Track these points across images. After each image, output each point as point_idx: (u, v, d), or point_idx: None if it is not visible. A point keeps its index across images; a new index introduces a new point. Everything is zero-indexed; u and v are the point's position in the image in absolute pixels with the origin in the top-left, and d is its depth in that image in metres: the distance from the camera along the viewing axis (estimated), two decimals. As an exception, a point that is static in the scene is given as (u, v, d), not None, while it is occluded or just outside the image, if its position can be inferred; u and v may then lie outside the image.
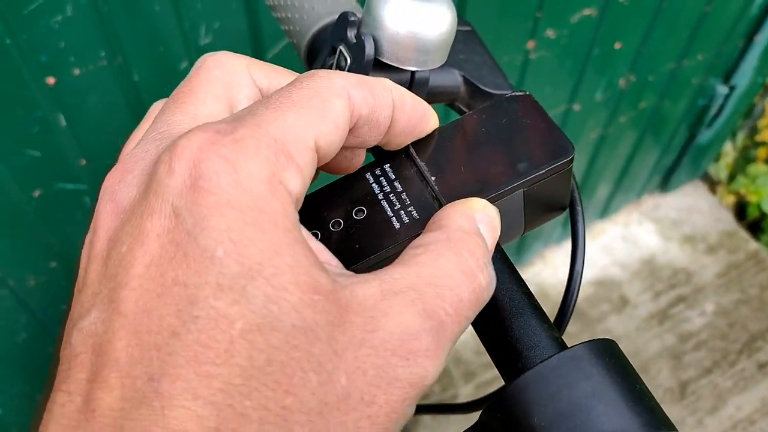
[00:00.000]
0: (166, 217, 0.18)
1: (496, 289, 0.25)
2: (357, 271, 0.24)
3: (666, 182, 1.73)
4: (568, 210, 0.30)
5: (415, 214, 0.26)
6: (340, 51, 0.30)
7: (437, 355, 0.20)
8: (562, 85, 1.11)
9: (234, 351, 0.17)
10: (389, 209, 0.26)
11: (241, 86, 0.25)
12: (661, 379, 1.47)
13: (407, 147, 0.27)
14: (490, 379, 1.42)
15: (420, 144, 0.27)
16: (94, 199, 0.73)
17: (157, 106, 0.25)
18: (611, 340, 0.23)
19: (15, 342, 0.85)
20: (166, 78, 0.69)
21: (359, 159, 0.28)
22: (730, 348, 1.53)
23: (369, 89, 0.23)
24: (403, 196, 0.26)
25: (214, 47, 0.69)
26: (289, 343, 0.18)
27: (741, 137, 1.77)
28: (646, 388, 0.22)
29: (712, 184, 1.81)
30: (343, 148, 0.24)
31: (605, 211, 1.66)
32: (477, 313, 0.22)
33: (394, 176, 0.27)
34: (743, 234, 1.72)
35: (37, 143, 0.66)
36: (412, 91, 0.32)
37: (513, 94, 0.28)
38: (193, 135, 0.19)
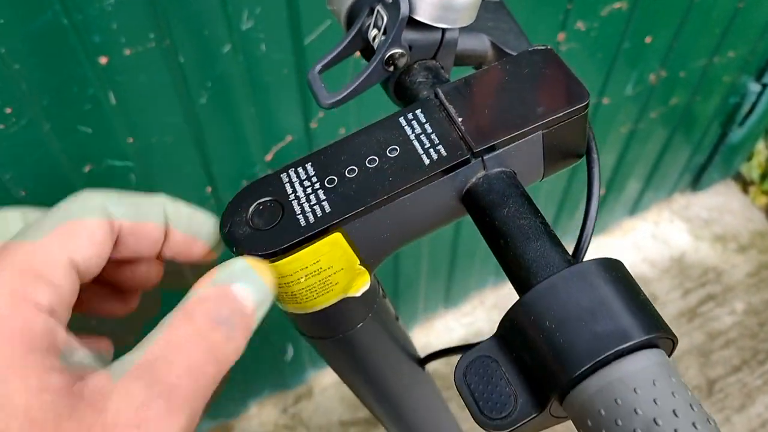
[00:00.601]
0: None
1: (515, 218, 0.28)
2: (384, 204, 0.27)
3: (697, 181, 1.73)
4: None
5: (443, 152, 0.28)
6: (378, 11, 0.33)
7: (175, 415, 0.22)
8: (592, 77, 1.13)
9: None
10: (420, 148, 0.29)
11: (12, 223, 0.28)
12: (689, 376, 1.47)
13: (437, 92, 0.30)
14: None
15: (449, 90, 0.30)
16: (140, 176, 0.77)
17: None
18: (617, 259, 0.25)
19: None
20: (209, 60, 0.72)
21: (154, 272, 0.30)
22: (759, 347, 1.52)
23: (132, 204, 0.27)
24: (433, 136, 0.29)
25: (255, 31, 0.72)
26: None
27: (774, 137, 1.76)
28: (648, 300, 0.25)
29: (744, 184, 1.80)
30: (135, 262, 0.28)
31: (635, 208, 1.66)
32: (227, 366, 0.24)
33: (424, 119, 0.30)
34: (775, 234, 1.71)
35: (89, 120, 0.70)
36: (441, 50, 0.35)
37: (535, 48, 0.31)
38: None
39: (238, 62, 0.74)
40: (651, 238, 1.69)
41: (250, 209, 0.29)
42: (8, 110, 0.65)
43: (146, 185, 0.79)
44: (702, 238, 1.70)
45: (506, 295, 1.56)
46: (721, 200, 1.78)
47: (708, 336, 1.54)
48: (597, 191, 0.31)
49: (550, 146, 0.29)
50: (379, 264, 0.31)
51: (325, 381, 1.44)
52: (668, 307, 1.58)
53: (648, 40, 1.11)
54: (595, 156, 0.32)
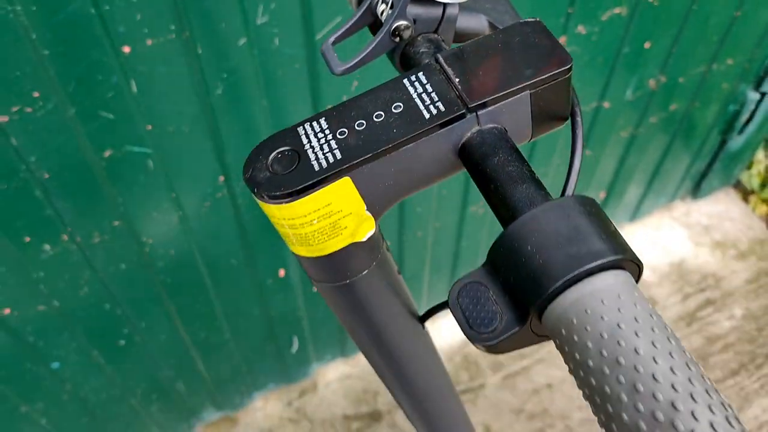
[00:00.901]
0: None
1: (504, 166, 0.31)
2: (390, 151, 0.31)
3: (698, 188, 1.76)
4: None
5: (442, 107, 0.32)
6: (385, -13, 0.37)
7: None
8: (592, 81, 1.17)
9: None
10: (421, 104, 0.32)
11: None
12: (687, 378, 1.49)
13: (437, 57, 0.34)
14: (518, 369, 1.47)
15: (448, 56, 0.34)
16: (158, 162, 0.81)
17: None
18: (592, 198, 0.29)
19: (76, 297, 0.93)
20: (225, 53, 0.76)
21: None
22: (757, 352, 1.54)
23: None
24: (433, 94, 0.33)
25: (269, 26, 0.76)
26: None
27: (774, 147, 1.79)
28: (618, 231, 0.28)
29: (744, 193, 1.83)
30: None
31: (635, 214, 1.69)
32: None
33: (425, 80, 0.33)
34: (774, 242, 1.73)
35: (111, 107, 0.74)
36: (443, 24, 0.38)
37: (525, 20, 0.35)
38: None
39: (252, 55, 0.78)
40: (651, 244, 1.72)
41: (270, 157, 0.32)
42: (36, 94, 0.69)
43: (163, 172, 0.83)
44: (702, 244, 1.73)
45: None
46: (721, 208, 1.81)
47: (706, 340, 1.56)
48: (580, 148, 0.35)
49: (537, 106, 0.33)
50: (383, 212, 0.35)
51: (330, 375, 1.47)
52: (668, 312, 1.60)
53: (647, 45, 1.15)
54: (578, 119, 0.35)
